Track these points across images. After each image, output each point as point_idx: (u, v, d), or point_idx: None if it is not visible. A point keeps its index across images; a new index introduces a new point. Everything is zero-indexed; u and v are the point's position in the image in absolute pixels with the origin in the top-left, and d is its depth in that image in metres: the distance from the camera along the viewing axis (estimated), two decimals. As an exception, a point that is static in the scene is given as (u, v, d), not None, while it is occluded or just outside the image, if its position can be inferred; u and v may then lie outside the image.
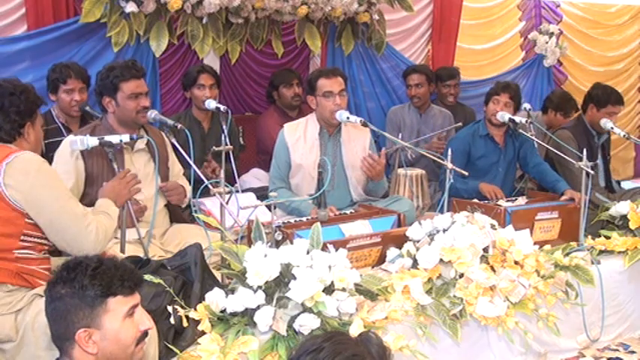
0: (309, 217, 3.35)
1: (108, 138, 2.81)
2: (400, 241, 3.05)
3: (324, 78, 3.63)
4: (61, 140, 3.11)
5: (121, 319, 1.82)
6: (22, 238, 2.33)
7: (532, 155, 4.29)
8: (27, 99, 2.40)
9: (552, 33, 6.26)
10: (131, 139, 2.88)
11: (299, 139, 3.69)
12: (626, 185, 5.29)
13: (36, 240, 2.37)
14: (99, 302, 1.78)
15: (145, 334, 1.90)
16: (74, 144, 2.79)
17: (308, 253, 2.46)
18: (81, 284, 1.77)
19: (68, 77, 3.60)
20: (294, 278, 2.35)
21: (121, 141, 2.85)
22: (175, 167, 3.37)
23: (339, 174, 3.69)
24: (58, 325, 1.79)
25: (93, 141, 2.77)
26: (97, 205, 2.61)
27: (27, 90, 2.42)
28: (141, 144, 3.14)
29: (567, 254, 3.26)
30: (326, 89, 3.61)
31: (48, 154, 3.50)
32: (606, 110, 4.51)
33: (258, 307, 2.33)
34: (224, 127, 3.32)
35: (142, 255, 2.70)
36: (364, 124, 3.48)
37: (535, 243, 3.09)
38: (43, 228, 2.36)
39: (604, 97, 4.52)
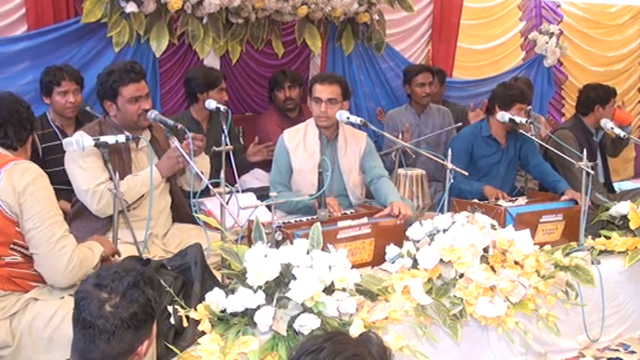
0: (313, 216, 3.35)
1: (103, 138, 2.76)
2: (390, 231, 3.09)
3: (318, 83, 3.64)
4: (57, 144, 3.09)
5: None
6: (11, 246, 2.31)
7: (533, 155, 4.30)
8: (32, 114, 2.52)
9: (552, 33, 6.26)
10: (127, 139, 2.83)
11: (299, 144, 3.68)
12: (626, 185, 5.30)
13: (23, 250, 2.34)
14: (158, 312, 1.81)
15: None
16: (70, 145, 2.73)
17: (308, 253, 2.46)
18: (154, 298, 1.74)
19: (62, 79, 3.57)
20: (294, 278, 2.35)
21: (116, 141, 2.79)
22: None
23: (337, 180, 3.68)
24: (128, 342, 1.70)
25: (88, 141, 2.73)
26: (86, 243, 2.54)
27: (30, 107, 2.53)
28: (145, 142, 3.12)
29: (567, 254, 3.26)
30: (315, 95, 3.62)
31: (45, 158, 3.50)
32: (610, 105, 4.67)
33: (258, 307, 2.33)
34: (224, 127, 3.32)
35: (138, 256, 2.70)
36: (364, 124, 3.48)
37: (536, 244, 3.09)
38: (27, 239, 2.32)
39: (605, 95, 4.67)
